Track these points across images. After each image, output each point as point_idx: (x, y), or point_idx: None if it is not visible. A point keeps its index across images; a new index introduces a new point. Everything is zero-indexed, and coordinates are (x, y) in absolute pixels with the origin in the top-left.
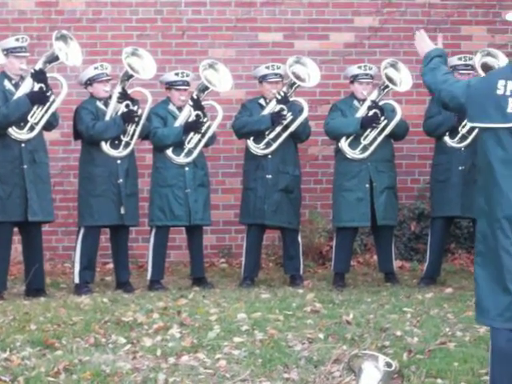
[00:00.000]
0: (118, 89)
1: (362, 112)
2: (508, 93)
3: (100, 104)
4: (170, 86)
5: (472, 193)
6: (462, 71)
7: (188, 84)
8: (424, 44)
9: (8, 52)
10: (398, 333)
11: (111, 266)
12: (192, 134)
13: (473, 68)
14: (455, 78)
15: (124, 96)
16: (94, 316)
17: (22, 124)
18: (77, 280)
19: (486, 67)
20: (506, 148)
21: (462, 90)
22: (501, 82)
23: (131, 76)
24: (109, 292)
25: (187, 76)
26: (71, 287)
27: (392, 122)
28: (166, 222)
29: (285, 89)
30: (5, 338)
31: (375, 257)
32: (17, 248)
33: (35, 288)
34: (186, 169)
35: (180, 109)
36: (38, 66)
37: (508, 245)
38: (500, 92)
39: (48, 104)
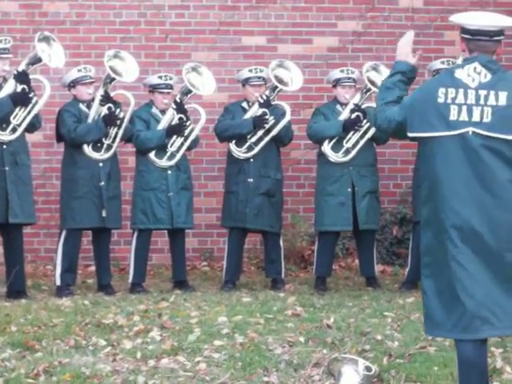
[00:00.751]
0: (101, 91)
1: (344, 115)
2: (449, 100)
3: (83, 106)
4: (153, 89)
5: None
6: None
7: (171, 87)
8: (402, 50)
9: None
10: (379, 337)
11: (93, 268)
12: (175, 137)
13: None
14: (396, 105)
15: (106, 99)
16: (74, 318)
17: (4, 125)
18: (58, 282)
19: None
20: (450, 156)
21: (397, 111)
22: (441, 90)
23: (113, 79)
24: (90, 294)
25: (170, 79)
26: (52, 289)
27: None
28: (149, 225)
29: (267, 92)
30: None
31: (357, 261)
32: None
33: (16, 290)
34: (169, 172)
35: (163, 112)
36: (21, 67)
37: (457, 253)
38: (441, 100)
39: (30, 105)
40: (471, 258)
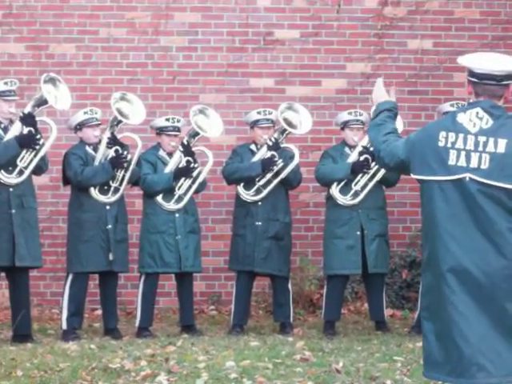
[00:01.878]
0: (108, 134)
1: (352, 157)
2: (449, 144)
3: (89, 149)
4: (160, 131)
5: None
6: None
7: (179, 130)
8: (379, 93)
9: None
10: (388, 382)
11: (99, 312)
12: (182, 180)
13: None
14: (396, 137)
15: (113, 141)
16: (81, 363)
17: (10, 168)
18: (64, 326)
19: None
20: (449, 200)
21: (401, 148)
22: (442, 134)
23: (120, 121)
24: (96, 338)
25: (178, 121)
26: (59, 333)
27: None
28: (156, 269)
29: (276, 135)
30: None
31: (366, 305)
32: (4, 293)
33: (22, 334)
34: (177, 215)
35: (170, 154)
36: (27, 109)
37: (453, 297)
38: (441, 144)
39: (37, 148)
40: (467, 303)
